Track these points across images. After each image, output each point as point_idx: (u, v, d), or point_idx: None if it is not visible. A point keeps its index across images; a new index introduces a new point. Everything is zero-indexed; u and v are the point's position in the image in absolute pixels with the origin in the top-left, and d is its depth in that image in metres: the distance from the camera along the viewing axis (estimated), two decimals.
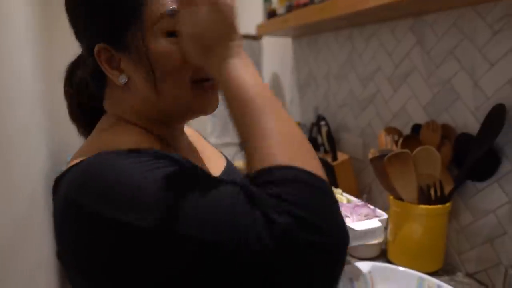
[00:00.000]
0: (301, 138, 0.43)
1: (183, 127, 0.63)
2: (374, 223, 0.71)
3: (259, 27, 1.72)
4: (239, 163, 1.61)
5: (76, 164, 0.45)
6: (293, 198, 0.36)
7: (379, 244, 1.05)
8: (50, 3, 1.68)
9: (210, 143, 0.77)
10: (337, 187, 1.31)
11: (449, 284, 0.80)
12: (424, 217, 0.93)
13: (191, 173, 0.42)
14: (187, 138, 0.65)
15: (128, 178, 0.40)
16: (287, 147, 0.40)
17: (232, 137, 2.18)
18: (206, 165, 0.64)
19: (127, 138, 0.51)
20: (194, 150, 0.65)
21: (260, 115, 0.41)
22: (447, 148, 0.97)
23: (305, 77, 1.74)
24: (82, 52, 0.56)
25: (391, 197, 0.99)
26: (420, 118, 1.10)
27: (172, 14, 0.47)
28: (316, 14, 1.24)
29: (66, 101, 0.62)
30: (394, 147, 1.07)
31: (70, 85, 0.61)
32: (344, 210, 0.72)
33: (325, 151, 1.41)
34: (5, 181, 1.12)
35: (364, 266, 0.86)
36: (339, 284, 0.81)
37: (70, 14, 0.53)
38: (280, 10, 1.54)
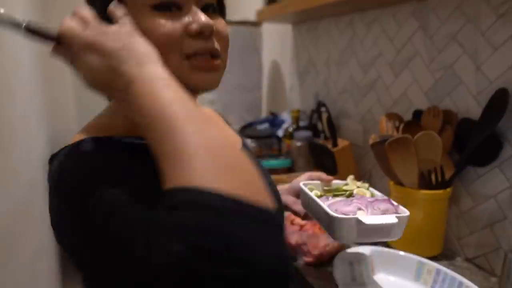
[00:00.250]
0: (232, 155, 0.37)
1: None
2: (389, 218, 0.61)
3: (259, 13, 1.70)
4: None
5: (70, 145, 0.48)
6: (194, 225, 0.31)
7: None
8: None
9: (231, 125, 0.78)
10: (336, 173, 1.31)
11: (448, 268, 0.80)
12: (425, 202, 0.93)
13: (125, 191, 0.42)
14: None
15: (84, 177, 0.43)
16: (206, 164, 0.34)
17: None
18: None
19: (120, 122, 0.51)
20: None
21: (175, 130, 0.36)
22: (448, 133, 0.97)
23: (305, 64, 1.72)
24: None
25: (392, 182, 0.99)
26: (422, 103, 1.09)
27: None
28: None
29: None
30: (395, 133, 1.07)
31: None
32: (359, 203, 0.66)
33: (326, 138, 1.41)
34: (4, 168, 1.12)
35: (364, 250, 0.87)
36: (339, 268, 0.82)
37: None
38: None
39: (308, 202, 0.74)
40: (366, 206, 0.65)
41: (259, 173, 0.38)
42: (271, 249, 0.32)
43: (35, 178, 1.33)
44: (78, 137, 0.48)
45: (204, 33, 0.49)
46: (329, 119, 1.36)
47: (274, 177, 0.81)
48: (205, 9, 0.52)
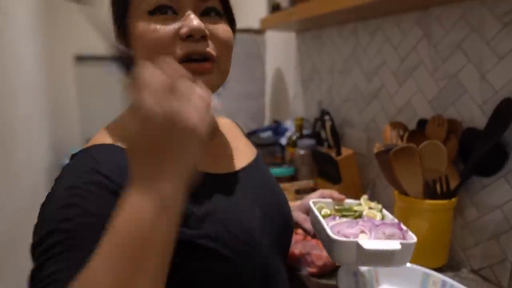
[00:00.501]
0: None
1: None
2: (391, 244, 0.57)
3: (263, 21, 1.70)
4: None
5: (82, 150, 0.51)
6: None
7: None
8: None
9: (245, 134, 0.78)
10: (340, 182, 1.30)
11: (453, 280, 0.79)
12: (430, 212, 0.92)
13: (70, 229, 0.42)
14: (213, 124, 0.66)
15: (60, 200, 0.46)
16: None
17: None
18: (234, 154, 0.65)
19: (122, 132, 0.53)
20: (219, 139, 0.66)
21: (110, 247, 0.35)
22: (453, 142, 0.96)
23: (309, 72, 1.72)
24: None
25: (396, 192, 0.98)
26: (426, 113, 1.09)
27: None
28: (320, 7, 1.22)
29: None
30: (399, 142, 1.06)
31: None
32: (363, 226, 0.62)
33: (329, 146, 1.40)
34: (6, 172, 1.12)
35: None
36: (343, 279, 0.81)
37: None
38: (284, 3, 1.53)
39: (314, 221, 0.72)
40: (370, 229, 0.62)
41: None
42: None
43: (37, 182, 1.33)
44: (98, 137, 0.52)
45: (194, 36, 0.50)
46: (333, 128, 1.36)
47: None
48: (206, 13, 0.52)
